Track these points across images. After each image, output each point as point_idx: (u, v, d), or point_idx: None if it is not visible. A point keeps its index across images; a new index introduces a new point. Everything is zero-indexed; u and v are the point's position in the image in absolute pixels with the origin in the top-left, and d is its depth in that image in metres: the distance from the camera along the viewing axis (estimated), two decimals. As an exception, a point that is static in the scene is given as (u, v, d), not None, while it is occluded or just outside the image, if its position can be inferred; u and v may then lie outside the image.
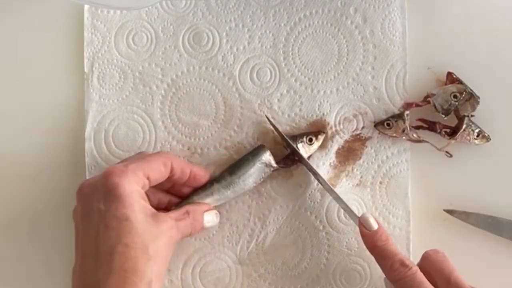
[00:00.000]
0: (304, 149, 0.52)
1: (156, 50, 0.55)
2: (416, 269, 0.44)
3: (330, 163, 0.53)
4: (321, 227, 0.53)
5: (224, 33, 0.54)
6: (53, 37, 0.56)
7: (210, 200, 0.51)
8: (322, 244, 0.53)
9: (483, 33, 0.53)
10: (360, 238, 0.52)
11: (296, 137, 0.52)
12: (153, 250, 0.42)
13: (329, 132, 0.53)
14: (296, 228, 0.53)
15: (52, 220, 0.55)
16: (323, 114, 0.54)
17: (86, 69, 0.55)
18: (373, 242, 0.46)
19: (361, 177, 0.53)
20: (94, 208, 0.43)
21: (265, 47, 0.54)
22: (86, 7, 0.55)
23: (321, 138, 0.52)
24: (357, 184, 0.53)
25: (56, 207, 0.55)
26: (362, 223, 0.48)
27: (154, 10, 0.55)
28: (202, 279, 0.53)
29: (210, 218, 0.50)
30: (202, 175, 0.51)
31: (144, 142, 0.54)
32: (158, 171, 0.46)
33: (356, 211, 0.53)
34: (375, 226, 0.47)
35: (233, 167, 0.51)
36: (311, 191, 0.53)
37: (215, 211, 0.51)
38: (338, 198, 0.50)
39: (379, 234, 0.47)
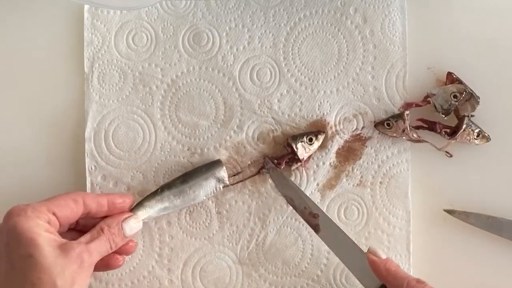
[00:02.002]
0: (304, 149, 0.52)
1: (156, 50, 0.55)
2: (431, 285, 0.45)
3: (330, 163, 0.53)
4: (321, 227, 0.53)
5: (224, 33, 0.54)
6: (53, 37, 0.56)
7: (159, 206, 0.50)
8: (322, 244, 0.53)
9: (483, 33, 0.53)
10: (360, 238, 0.53)
11: (296, 137, 0.52)
12: (62, 283, 0.41)
13: (329, 132, 0.53)
14: (296, 228, 0.53)
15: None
16: (323, 114, 0.54)
17: (86, 69, 0.55)
18: (386, 267, 0.47)
19: (361, 177, 0.53)
20: (1, 250, 0.43)
21: (265, 47, 0.54)
22: (86, 7, 0.55)
23: (321, 138, 0.52)
24: (357, 184, 0.53)
25: (56, 207, 0.55)
26: (371, 252, 0.48)
27: (154, 10, 0.55)
28: (202, 279, 0.54)
29: (130, 226, 0.49)
30: (122, 200, 0.49)
31: (144, 142, 0.54)
32: (66, 207, 0.45)
33: (356, 211, 0.53)
34: (383, 255, 0.48)
35: (185, 176, 0.52)
36: (311, 191, 0.53)
37: (133, 216, 0.49)
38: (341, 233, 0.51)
39: (390, 261, 0.47)
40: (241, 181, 0.53)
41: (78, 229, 0.49)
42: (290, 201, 0.52)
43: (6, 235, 0.42)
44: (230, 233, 0.54)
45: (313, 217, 0.51)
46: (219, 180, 0.51)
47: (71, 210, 0.46)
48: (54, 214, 0.44)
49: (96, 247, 0.45)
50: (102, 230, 0.47)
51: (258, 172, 0.53)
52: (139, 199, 0.51)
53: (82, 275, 0.43)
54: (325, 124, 0.53)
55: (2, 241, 0.42)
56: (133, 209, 0.50)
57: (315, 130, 0.53)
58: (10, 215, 0.43)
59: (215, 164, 0.52)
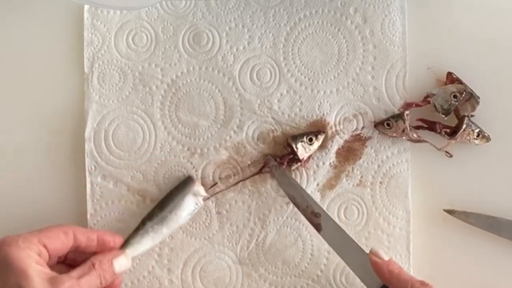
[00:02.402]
0: (304, 149, 0.52)
1: (156, 50, 0.55)
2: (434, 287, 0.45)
3: (330, 163, 0.53)
4: (321, 227, 0.53)
5: (224, 33, 0.54)
6: (53, 37, 0.56)
7: (147, 239, 0.50)
8: (322, 244, 0.53)
9: (483, 33, 0.53)
10: (360, 238, 0.53)
11: (296, 137, 0.52)
12: None
13: (329, 132, 0.53)
14: (296, 228, 0.53)
15: (52, 221, 0.55)
16: (323, 114, 0.54)
17: (86, 69, 0.55)
18: (389, 269, 0.47)
19: (361, 177, 0.53)
20: None
21: (265, 47, 0.54)
22: (86, 7, 0.55)
23: (321, 138, 0.52)
24: (357, 184, 0.53)
25: (56, 207, 0.55)
26: (373, 254, 0.48)
27: (154, 10, 0.55)
28: (202, 279, 0.54)
29: (120, 264, 0.48)
30: (111, 239, 0.49)
31: (144, 143, 0.54)
32: (56, 239, 0.45)
33: (356, 211, 0.53)
34: (386, 257, 0.47)
35: (162, 202, 0.52)
36: (311, 191, 0.53)
37: (123, 254, 0.49)
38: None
39: (393, 262, 0.47)
40: (241, 180, 0.53)
41: (67, 263, 0.49)
42: (292, 200, 0.52)
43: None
44: (230, 233, 0.54)
45: (315, 216, 0.51)
46: (196, 194, 0.51)
47: (62, 242, 0.46)
48: (44, 246, 0.44)
49: (86, 283, 0.45)
50: (93, 265, 0.46)
51: (260, 171, 0.53)
52: (125, 236, 0.50)
53: None
54: (325, 124, 0.53)
55: None
56: (122, 247, 0.49)
57: (315, 130, 0.53)
58: (1, 245, 0.43)
59: (187, 181, 0.52)
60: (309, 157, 0.53)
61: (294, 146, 0.52)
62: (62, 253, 0.47)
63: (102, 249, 0.49)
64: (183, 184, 0.52)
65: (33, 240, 0.44)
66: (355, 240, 0.50)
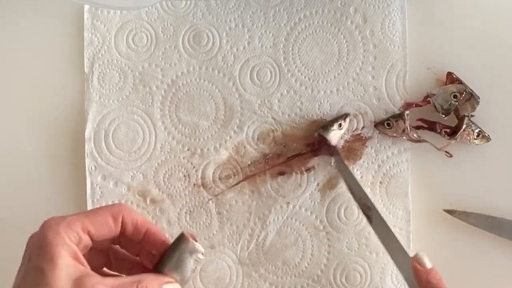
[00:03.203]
0: (335, 135, 0.52)
1: (156, 50, 0.55)
2: None
3: (331, 163, 0.53)
4: (321, 227, 0.53)
5: (224, 33, 0.54)
6: (53, 37, 0.56)
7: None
8: (322, 244, 0.53)
9: (483, 33, 0.53)
10: (360, 238, 0.53)
11: (327, 127, 0.52)
12: None
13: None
14: (296, 228, 0.53)
15: (52, 221, 0.55)
16: (323, 114, 0.54)
17: (86, 69, 0.55)
18: (427, 279, 0.46)
19: (361, 177, 0.53)
20: (25, 256, 0.40)
21: (265, 47, 0.54)
22: (86, 7, 0.55)
23: (348, 119, 0.53)
24: (357, 184, 0.53)
25: (56, 207, 0.55)
26: (416, 259, 0.47)
27: (154, 10, 0.55)
28: (202, 279, 0.54)
29: None
30: (159, 239, 0.42)
31: (144, 143, 0.54)
32: (103, 225, 0.40)
33: (356, 211, 0.53)
34: (429, 265, 0.47)
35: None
36: (311, 191, 0.53)
37: (177, 285, 0.42)
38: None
39: (434, 272, 0.47)
40: (274, 166, 0.53)
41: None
42: (349, 186, 0.52)
43: (35, 243, 0.39)
44: (230, 233, 0.54)
45: (368, 209, 0.51)
46: (193, 252, 0.42)
47: (108, 228, 0.41)
48: (88, 232, 0.40)
49: None
50: (140, 282, 0.39)
51: (313, 151, 0.53)
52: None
53: None
54: (325, 124, 0.53)
55: (29, 246, 0.40)
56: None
57: (340, 115, 0.53)
58: (44, 225, 0.40)
59: (180, 239, 0.43)
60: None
61: (327, 136, 0.52)
62: (106, 240, 0.42)
63: (145, 245, 0.43)
64: (177, 244, 0.43)
65: (76, 227, 0.39)
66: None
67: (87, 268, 0.39)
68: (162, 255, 0.42)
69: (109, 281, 0.38)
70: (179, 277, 0.41)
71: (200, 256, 0.43)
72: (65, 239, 0.38)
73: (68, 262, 0.38)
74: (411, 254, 0.52)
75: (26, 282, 0.38)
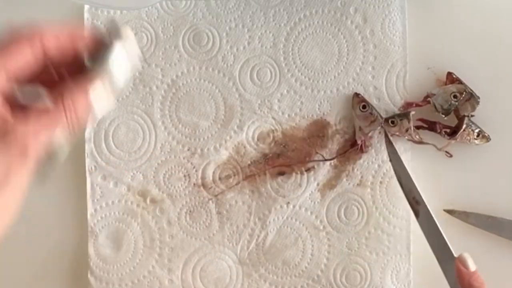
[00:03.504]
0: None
1: (156, 50, 0.55)
2: None
3: (331, 163, 0.53)
4: (321, 227, 0.53)
5: (224, 33, 0.54)
6: (53, 37, 0.56)
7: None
8: (322, 244, 0.53)
9: (483, 33, 0.53)
10: (360, 238, 0.52)
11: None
12: None
13: (330, 131, 0.53)
14: (296, 228, 0.53)
15: (51, 220, 0.55)
16: (324, 114, 0.54)
17: (86, 69, 0.55)
18: (470, 282, 0.46)
19: (362, 177, 0.53)
20: None
21: (265, 47, 0.54)
22: (86, 7, 0.55)
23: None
24: (357, 184, 0.53)
25: (56, 207, 0.55)
26: (460, 260, 0.47)
27: (154, 10, 0.55)
28: (203, 279, 0.54)
29: (99, 97, 0.34)
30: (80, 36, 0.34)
31: (144, 142, 0.54)
32: (20, 57, 0.33)
33: (356, 211, 0.53)
34: (473, 267, 0.46)
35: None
36: (311, 191, 0.53)
37: (104, 84, 0.34)
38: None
39: (477, 276, 0.46)
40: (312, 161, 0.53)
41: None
42: (399, 179, 0.51)
43: None
44: (230, 233, 0.54)
45: (416, 202, 0.50)
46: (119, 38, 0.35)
47: (26, 60, 0.33)
48: (6, 72, 0.32)
49: (47, 131, 0.32)
50: (62, 102, 0.32)
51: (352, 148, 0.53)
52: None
53: (21, 167, 0.32)
54: (326, 124, 0.53)
55: None
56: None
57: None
58: None
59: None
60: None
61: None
62: (29, 73, 0.34)
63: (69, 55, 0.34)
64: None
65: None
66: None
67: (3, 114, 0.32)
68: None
69: (31, 118, 0.32)
70: (106, 74, 0.33)
71: (130, 44, 0.35)
72: None
73: None
74: (412, 255, 0.52)
75: None
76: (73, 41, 0.34)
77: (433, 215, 0.49)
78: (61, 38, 0.34)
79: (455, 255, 0.47)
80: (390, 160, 0.52)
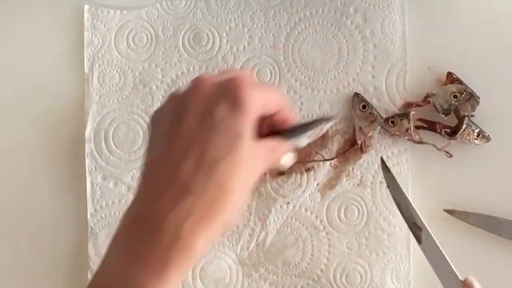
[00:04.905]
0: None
1: (156, 50, 0.55)
2: None
3: (331, 163, 0.53)
4: (321, 227, 0.53)
5: (224, 33, 0.54)
6: (53, 37, 0.56)
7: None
8: (322, 244, 0.53)
9: (483, 33, 0.53)
10: (360, 238, 0.52)
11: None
12: (251, 179, 0.38)
13: (330, 131, 0.53)
14: (296, 228, 0.53)
15: (52, 220, 0.55)
16: (323, 114, 0.54)
17: (86, 69, 0.55)
18: None
19: (362, 177, 0.53)
20: (214, 111, 0.37)
21: (265, 47, 0.54)
22: (86, 7, 0.55)
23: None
24: (357, 184, 0.53)
25: (56, 207, 0.55)
26: (467, 284, 0.46)
27: (154, 10, 0.55)
28: (203, 279, 0.54)
29: (290, 158, 0.44)
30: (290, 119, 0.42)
31: (144, 142, 0.54)
32: (272, 101, 0.40)
33: (356, 211, 0.53)
34: None
35: None
36: (311, 191, 0.53)
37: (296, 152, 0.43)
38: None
39: None
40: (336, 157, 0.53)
41: None
42: (398, 205, 0.50)
43: (231, 101, 0.37)
44: (230, 233, 0.54)
45: (417, 228, 0.49)
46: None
47: (274, 103, 0.40)
48: (264, 105, 0.39)
49: (284, 150, 0.41)
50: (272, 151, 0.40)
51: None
52: None
53: (262, 170, 0.39)
54: (325, 124, 0.53)
55: (219, 101, 0.37)
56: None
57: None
58: (243, 86, 0.37)
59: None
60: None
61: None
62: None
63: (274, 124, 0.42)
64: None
65: (262, 96, 0.38)
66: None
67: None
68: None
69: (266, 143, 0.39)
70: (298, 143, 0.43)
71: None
72: (258, 103, 0.38)
73: (253, 126, 0.38)
74: (412, 255, 0.52)
75: (223, 140, 0.37)
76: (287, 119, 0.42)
77: (436, 241, 0.49)
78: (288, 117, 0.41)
79: (461, 278, 0.47)
80: (388, 187, 0.51)
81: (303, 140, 0.43)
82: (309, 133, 0.43)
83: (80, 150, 0.54)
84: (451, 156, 0.52)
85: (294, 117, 0.43)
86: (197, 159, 0.36)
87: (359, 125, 0.52)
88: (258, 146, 0.38)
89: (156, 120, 0.39)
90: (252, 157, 0.38)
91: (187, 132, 0.37)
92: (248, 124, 0.37)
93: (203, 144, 0.36)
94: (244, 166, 0.37)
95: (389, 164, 0.53)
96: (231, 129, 0.37)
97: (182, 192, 0.35)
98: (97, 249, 0.54)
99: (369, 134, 0.52)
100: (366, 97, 0.53)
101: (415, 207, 0.50)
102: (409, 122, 0.51)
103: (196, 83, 0.38)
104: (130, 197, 0.54)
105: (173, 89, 0.54)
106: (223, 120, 0.37)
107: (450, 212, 0.52)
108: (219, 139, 0.36)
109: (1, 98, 0.56)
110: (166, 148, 0.37)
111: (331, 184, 0.53)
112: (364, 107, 0.52)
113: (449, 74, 0.52)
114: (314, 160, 0.53)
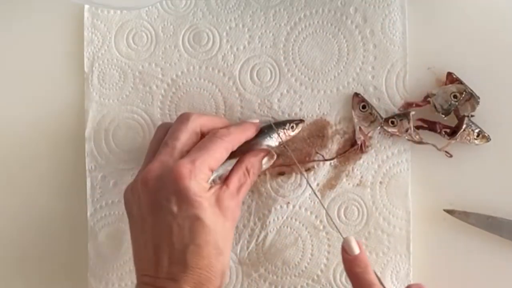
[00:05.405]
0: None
1: (156, 50, 0.55)
2: None
3: (330, 163, 0.53)
4: (321, 227, 0.53)
5: (224, 33, 0.54)
6: (53, 37, 0.56)
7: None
8: (322, 244, 0.53)
9: (483, 33, 0.53)
10: (360, 238, 0.53)
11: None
12: (222, 244, 0.44)
13: (330, 131, 0.53)
14: (296, 228, 0.53)
15: (52, 219, 0.55)
16: (323, 113, 0.54)
17: (86, 69, 0.55)
18: (351, 267, 0.44)
19: (361, 177, 0.53)
20: (164, 206, 0.43)
21: (265, 47, 0.54)
22: (86, 7, 0.55)
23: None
24: (357, 184, 0.53)
25: (56, 207, 0.55)
26: (344, 246, 0.45)
27: (154, 10, 0.55)
28: (202, 279, 0.53)
29: (266, 163, 0.51)
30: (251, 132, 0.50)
31: (144, 142, 0.54)
32: (221, 161, 0.46)
33: (356, 211, 0.53)
34: (356, 250, 0.44)
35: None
36: (311, 191, 0.53)
37: (270, 155, 0.51)
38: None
39: (358, 260, 0.44)
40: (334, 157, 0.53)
41: None
42: None
43: (174, 195, 0.43)
44: (230, 233, 0.54)
45: None
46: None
47: (222, 161, 0.46)
48: (211, 170, 0.45)
49: (244, 193, 0.47)
50: (248, 172, 0.48)
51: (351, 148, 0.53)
52: None
53: (233, 229, 0.46)
54: (326, 124, 0.53)
55: (166, 197, 0.43)
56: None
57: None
58: (181, 178, 0.43)
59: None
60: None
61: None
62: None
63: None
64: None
65: (205, 170, 0.44)
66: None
67: (211, 189, 0.45)
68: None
69: (231, 185, 0.46)
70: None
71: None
72: (202, 184, 0.44)
73: (209, 198, 0.44)
74: (412, 255, 0.52)
75: (185, 232, 0.43)
76: (247, 136, 0.49)
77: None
78: (244, 137, 0.49)
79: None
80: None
81: (272, 142, 0.50)
82: (276, 135, 0.50)
83: (80, 149, 0.54)
84: (451, 156, 0.52)
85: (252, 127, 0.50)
86: (168, 253, 0.43)
87: (359, 125, 0.52)
88: (221, 204, 0.44)
89: (129, 204, 0.46)
90: (223, 217, 0.44)
91: (151, 231, 0.44)
92: (201, 204, 0.43)
93: (166, 237, 0.43)
94: (213, 240, 0.43)
95: (389, 164, 0.53)
96: (184, 218, 0.43)
97: (170, 280, 0.42)
98: (97, 249, 0.54)
99: (369, 134, 0.52)
100: (366, 97, 0.53)
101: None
102: (409, 122, 0.51)
103: (142, 182, 0.44)
104: (130, 196, 0.54)
105: (173, 89, 0.54)
106: (173, 213, 0.43)
107: (450, 212, 0.52)
108: (177, 230, 0.43)
109: (0, 98, 0.56)
110: (143, 244, 0.45)
111: (331, 184, 0.53)
112: (364, 107, 0.52)
113: (449, 74, 0.52)
114: (314, 160, 0.53)
